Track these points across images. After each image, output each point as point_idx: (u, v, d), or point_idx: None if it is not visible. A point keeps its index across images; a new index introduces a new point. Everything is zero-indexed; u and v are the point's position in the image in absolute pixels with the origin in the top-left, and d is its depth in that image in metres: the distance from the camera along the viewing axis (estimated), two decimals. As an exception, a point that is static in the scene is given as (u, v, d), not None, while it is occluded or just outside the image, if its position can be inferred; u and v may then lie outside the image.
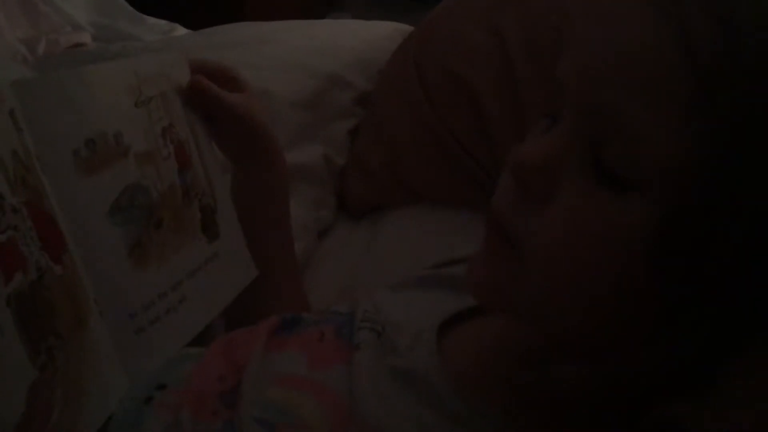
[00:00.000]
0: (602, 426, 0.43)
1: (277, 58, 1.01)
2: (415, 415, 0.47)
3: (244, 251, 0.70)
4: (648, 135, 0.36)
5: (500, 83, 0.86)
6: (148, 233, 0.56)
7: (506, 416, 0.46)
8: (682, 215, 0.36)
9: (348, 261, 0.93)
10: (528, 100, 0.83)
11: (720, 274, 0.36)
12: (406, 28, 1.18)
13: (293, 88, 0.97)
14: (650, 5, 0.37)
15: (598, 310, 0.40)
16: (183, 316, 0.59)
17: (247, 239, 0.70)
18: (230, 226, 0.68)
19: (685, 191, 0.35)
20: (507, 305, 0.45)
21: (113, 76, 0.56)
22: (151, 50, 0.63)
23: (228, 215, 0.68)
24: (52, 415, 0.43)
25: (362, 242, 0.95)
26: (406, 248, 0.89)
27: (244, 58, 0.94)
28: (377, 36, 1.13)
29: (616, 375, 0.43)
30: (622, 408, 0.43)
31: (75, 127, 0.51)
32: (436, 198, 0.94)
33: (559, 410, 0.45)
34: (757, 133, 0.34)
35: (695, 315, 0.37)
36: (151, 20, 1.65)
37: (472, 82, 0.88)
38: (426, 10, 1.03)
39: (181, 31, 1.65)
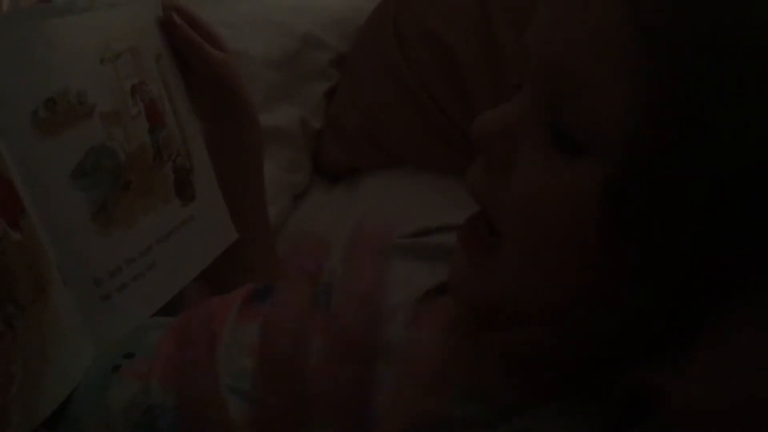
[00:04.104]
0: (574, 391, 0.43)
1: (251, 16, 0.98)
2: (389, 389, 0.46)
3: (223, 213, 0.68)
4: (599, 97, 0.37)
5: (480, 44, 0.85)
6: (114, 196, 0.54)
7: (478, 387, 0.45)
8: (633, 174, 0.36)
9: (323, 225, 0.91)
10: (507, 59, 0.82)
11: (676, 232, 0.36)
12: (384, -13, 1.15)
13: (268, 48, 0.95)
14: None
15: (566, 277, 0.40)
16: (153, 282, 0.57)
17: None
18: (208, 187, 0.66)
19: (636, 150, 0.36)
20: (489, 306, 0.45)
21: (77, 30, 0.52)
22: (120, 5, 0.61)
23: (206, 176, 0.65)
24: (12, 386, 0.42)
25: (338, 206, 0.94)
26: (382, 213, 0.88)
27: (217, 16, 0.91)
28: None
29: (583, 340, 0.43)
30: (593, 375, 0.43)
31: (33, 86, 0.48)
32: (414, 161, 0.93)
33: (528, 379, 0.45)
34: (704, 90, 0.35)
35: (655, 276, 0.37)
36: (122, -25, 1.61)
37: (451, 42, 0.87)
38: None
39: (152, -13, 1.60)
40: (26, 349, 0.44)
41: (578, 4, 0.39)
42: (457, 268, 0.47)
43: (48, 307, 0.46)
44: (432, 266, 0.58)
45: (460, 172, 0.85)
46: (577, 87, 0.38)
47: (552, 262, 0.40)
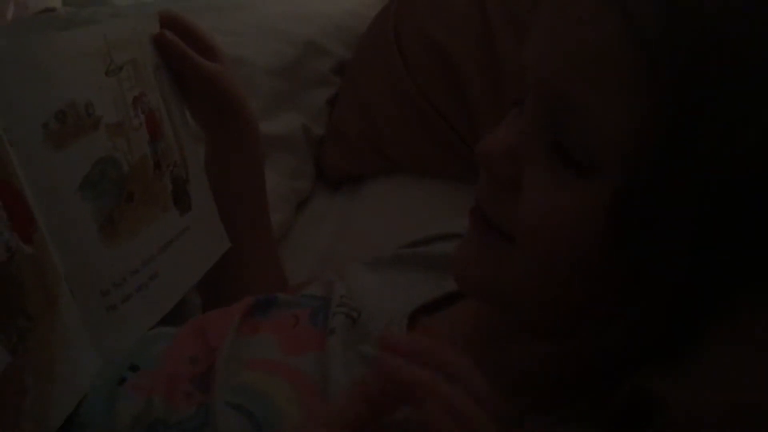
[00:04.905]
0: (575, 401, 0.44)
1: (253, 25, 0.99)
2: None
3: (216, 223, 0.68)
4: (599, 117, 0.37)
5: (480, 51, 0.85)
6: (119, 208, 0.54)
7: None
8: (634, 190, 0.37)
9: (326, 232, 0.92)
10: (507, 68, 0.82)
11: (677, 242, 0.37)
12: (385, -6, 1.15)
13: (270, 56, 0.95)
14: None
15: (571, 287, 0.41)
16: (155, 292, 0.58)
17: (220, 211, 0.68)
18: (202, 197, 0.66)
19: (636, 167, 0.37)
20: (491, 295, 0.46)
21: (82, 43, 0.53)
22: (122, 16, 0.61)
23: (200, 186, 0.66)
24: (24, 401, 0.42)
25: (340, 213, 0.95)
26: (384, 220, 0.89)
27: (219, 24, 0.92)
28: (356, 2, 1.10)
29: (585, 349, 0.44)
30: (595, 383, 0.43)
31: (44, 98, 0.48)
32: (415, 167, 0.93)
33: (530, 390, 0.45)
34: (702, 106, 0.35)
35: (656, 286, 0.38)
36: (123, -16, 1.60)
37: (451, 49, 0.87)
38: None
39: (154, -4, 1.60)
40: (37, 363, 0.44)
41: (571, 22, 0.39)
42: (465, 249, 0.47)
43: (57, 320, 0.47)
44: (432, 276, 0.58)
45: (461, 179, 0.86)
46: (576, 106, 0.38)
47: (559, 273, 0.41)
